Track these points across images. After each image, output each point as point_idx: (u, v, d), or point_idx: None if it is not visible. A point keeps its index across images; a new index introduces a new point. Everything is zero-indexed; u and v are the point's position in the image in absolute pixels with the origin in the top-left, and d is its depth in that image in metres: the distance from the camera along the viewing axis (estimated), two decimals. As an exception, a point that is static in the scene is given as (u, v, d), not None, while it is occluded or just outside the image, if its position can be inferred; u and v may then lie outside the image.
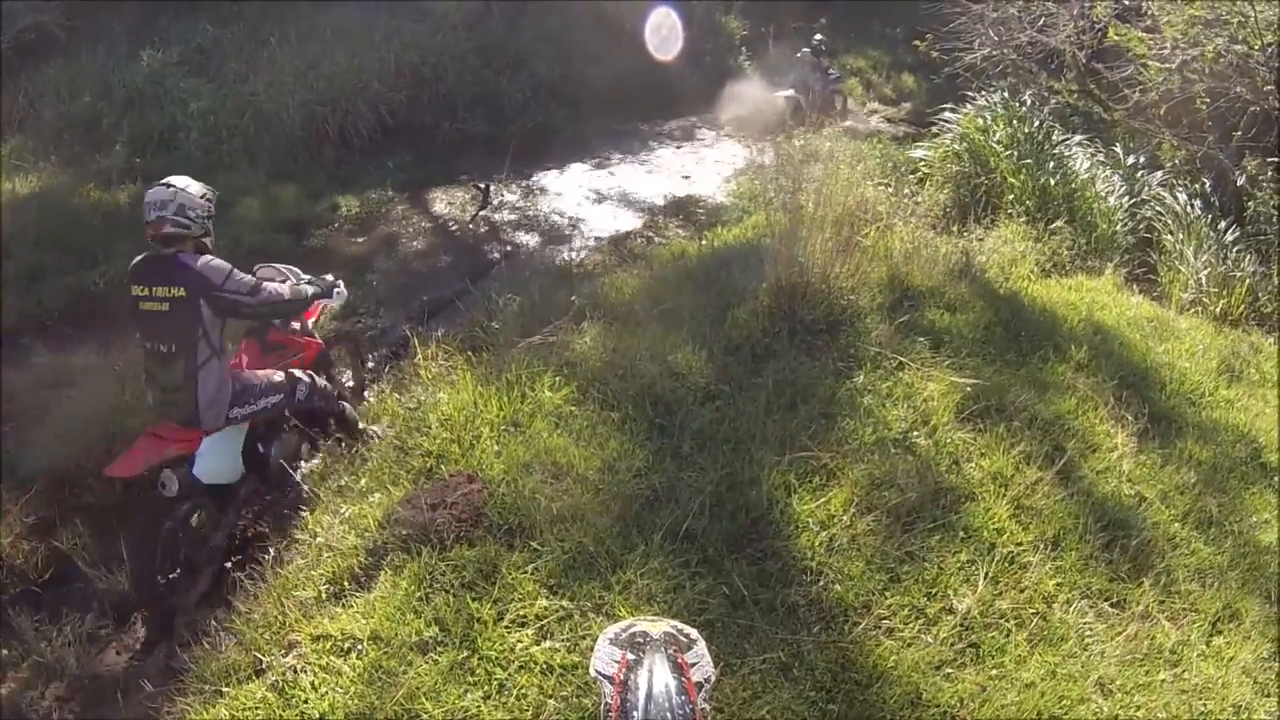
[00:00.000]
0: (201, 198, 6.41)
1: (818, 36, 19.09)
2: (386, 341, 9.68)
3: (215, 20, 17.44)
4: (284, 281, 6.99)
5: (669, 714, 2.15)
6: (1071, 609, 5.29)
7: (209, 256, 6.30)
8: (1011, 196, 11.59)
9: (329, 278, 7.58)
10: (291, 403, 6.84)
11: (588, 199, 14.60)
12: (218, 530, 6.71)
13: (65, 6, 17.22)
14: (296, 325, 7.61)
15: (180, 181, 6.41)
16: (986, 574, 5.34)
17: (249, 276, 6.42)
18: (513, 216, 13.63)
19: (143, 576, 6.15)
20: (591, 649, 3.94)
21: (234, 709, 4.63)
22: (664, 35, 17.95)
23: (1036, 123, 12.92)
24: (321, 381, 7.23)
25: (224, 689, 4.81)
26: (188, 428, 6.28)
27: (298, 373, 7.01)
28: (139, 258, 6.46)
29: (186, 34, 17.03)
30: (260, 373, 6.78)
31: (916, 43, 16.08)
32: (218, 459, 6.45)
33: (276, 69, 15.91)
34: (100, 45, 16.90)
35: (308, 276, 7.35)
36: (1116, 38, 12.21)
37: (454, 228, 12.97)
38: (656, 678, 2.22)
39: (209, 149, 14.48)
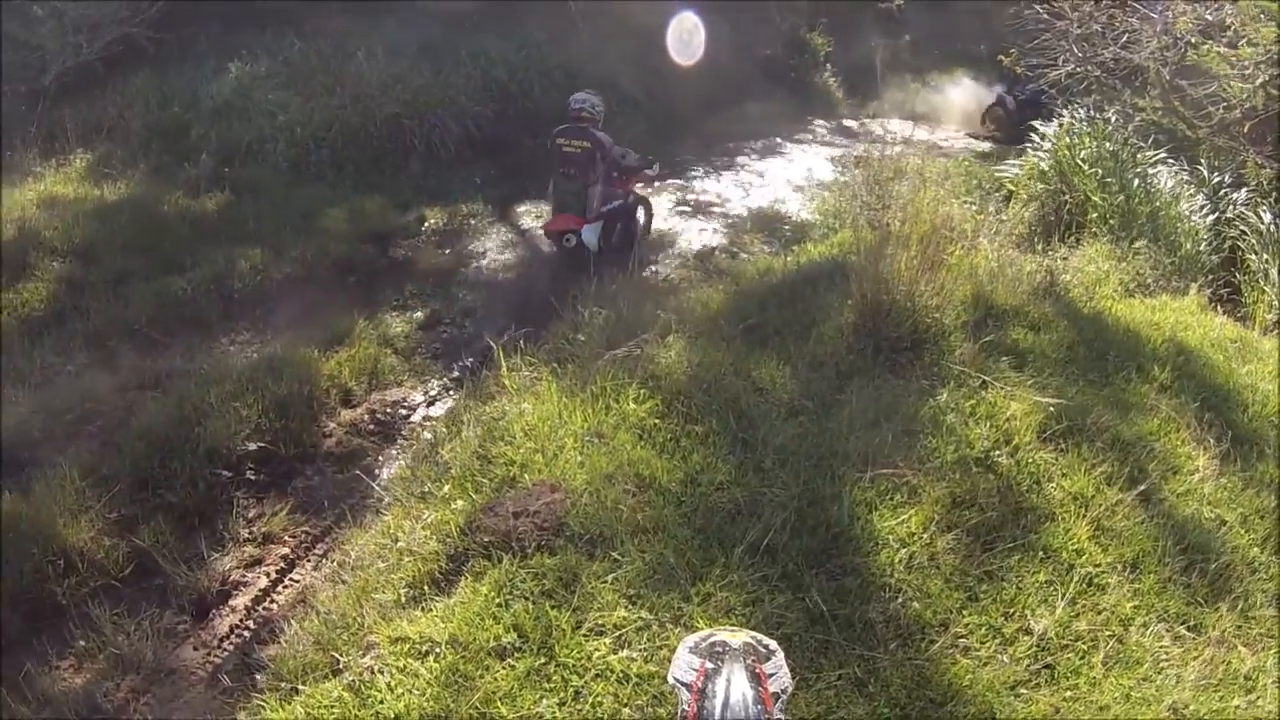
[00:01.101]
0: (599, 101, 11.60)
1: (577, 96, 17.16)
2: (471, 352, 9.76)
3: (302, 35, 17.60)
4: (633, 156, 11.75)
5: (745, 722, 2.17)
6: (1148, 632, 5.23)
7: (602, 133, 11.27)
8: (1095, 215, 11.51)
9: (651, 158, 12.41)
10: (625, 208, 11.69)
11: (673, 214, 14.67)
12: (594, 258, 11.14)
13: (154, 20, 17.44)
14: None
15: (591, 93, 11.64)
16: (1064, 595, 5.30)
17: (620, 148, 11.44)
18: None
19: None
20: (669, 660, 3.96)
21: (310, 707, 4.68)
22: (685, 40, 18.00)
23: (1121, 140, 12.80)
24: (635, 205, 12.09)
25: (300, 687, 4.88)
26: (580, 218, 11.18)
27: (629, 197, 11.87)
28: (563, 126, 11.37)
29: (273, 48, 17.21)
30: (606, 196, 11.39)
31: (1001, 58, 15.98)
32: (592, 234, 11.24)
33: (363, 83, 16.06)
34: (188, 58, 17.12)
35: (638, 156, 11.86)
36: (1197, 56, 12.07)
37: (540, 241, 13.00)
38: (734, 687, 2.24)
39: (296, 160, 14.69)
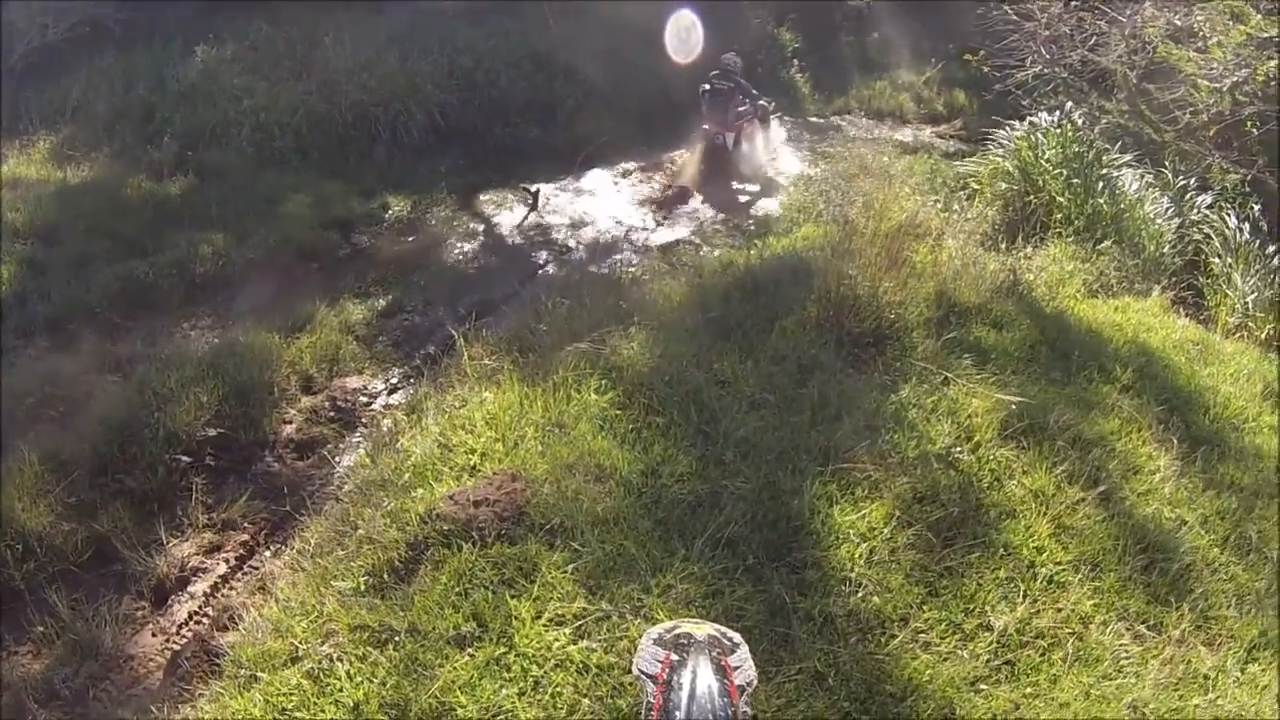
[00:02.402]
0: (738, 60, 16.15)
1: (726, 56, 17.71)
2: (433, 340, 9.71)
3: (270, 19, 17.53)
4: (758, 98, 16.23)
5: (711, 715, 2.17)
6: (1108, 630, 5.27)
7: (740, 78, 15.78)
8: (1060, 215, 11.55)
9: (769, 101, 17.19)
10: (752, 113, 16.17)
11: (637, 206, 14.66)
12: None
13: (121, 1, 17.37)
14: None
15: (734, 55, 16.09)
16: (1025, 592, 5.34)
17: (753, 89, 16.21)
18: (562, 221, 13.69)
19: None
20: (629, 650, 3.95)
21: (269, 694, 4.68)
22: (683, 39, 18.12)
23: (1087, 142, 12.86)
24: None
25: (259, 674, 4.86)
26: (724, 125, 15.56)
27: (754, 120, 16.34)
28: (715, 71, 16.07)
29: (241, 32, 17.15)
30: (741, 109, 15.84)
31: (968, 58, 16.05)
32: (730, 139, 15.64)
33: (330, 69, 16.05)
34: (155, 40, 17.06)
35: (757, 95, 16.10)
36: (1166, 54, 12.15)
37: (503, 231, 13.03)
38: (700, 679, 2.23)
39: (261, 145, 14.60)
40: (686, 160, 16.37)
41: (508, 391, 6.67)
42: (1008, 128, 14.04)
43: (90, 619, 6.08)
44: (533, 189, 13.75)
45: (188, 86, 15.59)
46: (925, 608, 5.18)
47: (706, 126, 16.22)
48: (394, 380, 9.12)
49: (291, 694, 4.62)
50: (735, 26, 21.44)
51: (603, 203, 14.53)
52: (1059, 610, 5.30)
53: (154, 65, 16.17)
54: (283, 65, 16.20)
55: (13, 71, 16.18)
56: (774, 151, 17.28)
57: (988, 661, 4.93)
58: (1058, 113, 13.66)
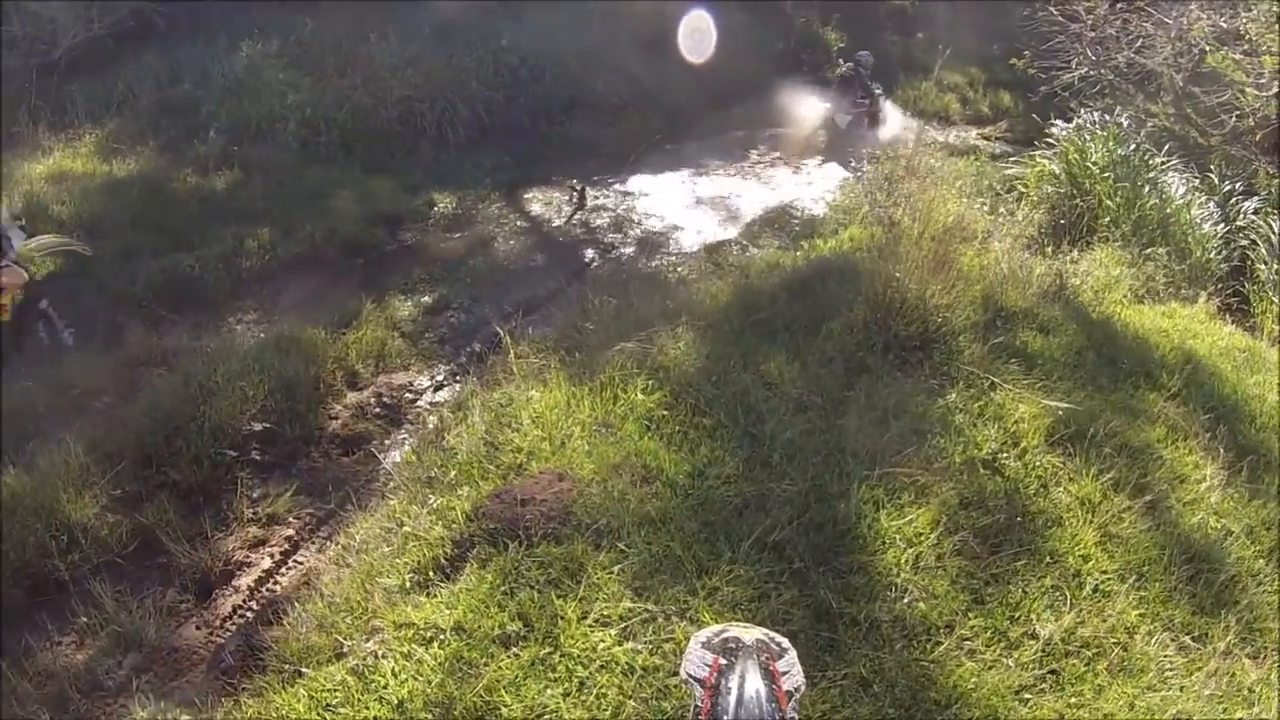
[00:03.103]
0: (870, 57, 16.32)
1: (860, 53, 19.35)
2: (479, 337, 9.70)
3: (315, 15, 17.54)
4: (877, 93, 16.61)
5: None
6: (1153, 641, 5.23)
7: (864, 70, 15.72)
8: (1107, 219, 11.45)
9: (879, 91, 18.30)
10: (866, 110, 16.15)
11: (684, 205, 14.59)
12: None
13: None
14: None
15: (866, 53, 15.91)
16: (1070, 601, 5.31)
17: (873, 82, 15.30)
18: (608, 219, 13.67)
19: None
20: (674, 653, 3.94)
21: (313, 690, 4.70)
22: (697, 38, 18.12)
23: (1133, 145, 12.77)
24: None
25: (304, 669, 4.91)
26: (846, 109, 15.15)
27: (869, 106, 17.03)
28: (849, 63, 16.49)
29: (286, 27, 17.14)
30: (860, 99, 15.51)
31: (1014, 60, 15.98)
32: (844, 120, 16.53)
33: (375, 65, 16.04)
34: (199, 34, 17.11)
35: (878, 91, 16.90)
36: (1214, 62, 12.06)
37: (549, 228, 13.07)
38: (748, 683, 2.25)
39: (306, 140, 14.62)
40: (801, 136, 18.21)
41: (555, 390, 6.69)
42: (1054, 130, 13.96)
43: (134, 611, 6.06)
44: (579, 186, 13.73)
45: (233, 81, 15.59)
46: (971, 615, 5.16)
47: (829, 106, 18.69)
48: (440, 377, 9.14)
49: (336, 690, 4.65)
50: (779, 24, 21.41)
51: (651, 201, 14.49)
52: (1104, 620, 5.27)
53: (199, 60, 16.22)
54: (328, 61, 16.19)
55: (58, 65, 16.26)
56: (879, 139, 17.66)
57: (1032, 670, 4.91)
58: (1103, 115, 13.58)
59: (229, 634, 6.14)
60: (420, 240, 12.38)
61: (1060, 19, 14.41)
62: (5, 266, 8.37)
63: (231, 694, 5.34)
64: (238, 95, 15.30)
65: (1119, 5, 13.97)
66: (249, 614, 6.28)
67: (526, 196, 14.25)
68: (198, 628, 6.20)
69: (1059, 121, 14.06)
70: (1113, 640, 5.16)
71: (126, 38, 16.96)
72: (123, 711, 5.44)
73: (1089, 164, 12.34)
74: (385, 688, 4.59)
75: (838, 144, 17.67)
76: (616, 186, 14.85)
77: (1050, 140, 13.76)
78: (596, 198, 14.23)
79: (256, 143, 14.31)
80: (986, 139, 20.08)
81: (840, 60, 19.32)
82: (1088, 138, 13.01)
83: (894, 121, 18.97)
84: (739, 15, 19.85)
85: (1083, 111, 14.11)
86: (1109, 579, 5.57)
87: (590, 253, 12.37)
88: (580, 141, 16.11)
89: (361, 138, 14.80)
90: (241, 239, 11.24)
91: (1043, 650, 5.02)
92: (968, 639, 5.03)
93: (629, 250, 12.51)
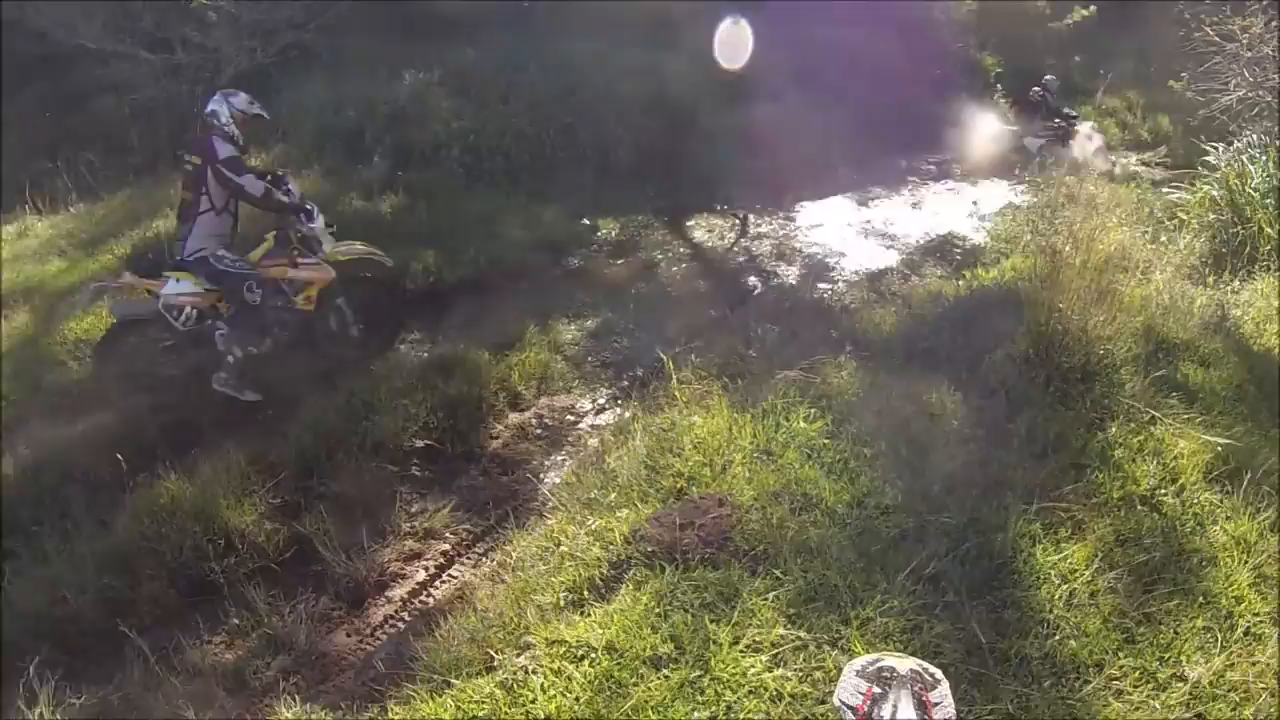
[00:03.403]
0: (1056, 82, 16.44)
1: (1047, 77, 19.35)
2: (641, 363, 9.76)
3: (474, 46, 17.78)
4: (1070, 116, 16.45)
5: (910, 750, 2.20)
6: (1302, 688, 5.13)
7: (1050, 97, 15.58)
8: (1269, 247, 11.19)
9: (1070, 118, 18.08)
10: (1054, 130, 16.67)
11: (845, 233, 14.57)
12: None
13: (326, 25, 17.80)
14: None
15: (1052, 77, 16.23)
16: (1222, 643, 5.23)
17: (1064, 109, 16.58)
18: (770, 247, 13.69)
19: None
20: (823, 681, 3.97)
21: (461, 701, 4.79)
22: (734, 45, 17.92)
23: (1294, 170, 12.47)
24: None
25: (452, 681, 4.98)
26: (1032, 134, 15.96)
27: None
28: (1037, 88, 16.61)
29: (445, 58, 17.29)
30: (1048, 124, 15.04)
31: (1172, 83, 15.69)
32: (1033, 145, 14.97)
33: (536, 93, 16.18)
34: (360, 64, 17.34)
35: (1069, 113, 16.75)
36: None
37: (712, 256, 13.12)
38: (900, 713, 2.28)
39: (470, 166, 14.79)
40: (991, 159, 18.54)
41: (717, 416, 6.76)
42: (1213, 154, 13.68)
43: (285, 615, 6.29)
44: (741, 214, 13.76)
45: (397, 109, 15.78)
46: (1121, 654, 5.11)
47: (1017, 130, 19.28)
48: (602, 401, 9.22)
49: (484, 702, 4.73)
50: (936, 52, 21.28)
51: (813, 229, 14.53)
52: (1254, 663, 5.18)
53: (361, 89, 16.41)
54: (489, 90, 16.33)
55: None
56: (1082, 164, 17.74)
57: (1178, 712, 4.84)
58: (1263, 137, 13.28)
59: (379, 642, 6.30)
60: (584, 266, 12.51)
61: (1216, 39, 14.13)
62: (316, 264, 9.24)
63: (378, 700, 5.45)
64: (401, 122, 15.50)
65: (1274, 23, 13.67)
66: (401, 624, 6.44)
67: (688, 224, 14.35)
68: (348, 635, 6.38)
69: (1218, 145, 13.80)
70: (1261, 685, 5.07)
71: (289, 67, 17.26)
72: (268, 711, 5.61)
73: (1249, 189, 12.08)
74: (533, 702, 4.66)
75: (1033, 168, 17.33)
76: (779, 214, 14.88)
77: (1210, 165, 13.50)
78: (759, 225, 14.32)
79: (421, 168, 14.49)
80: (1146, 164, 19.78)
81: (1045, 88, 19.30)
82: (1247, 162, 12.74)
83: (1092, 144, 18.98)
84: (894, 43, 19.75)
85: (1242, 134, 13.83)
86: (1261, 621, 5.48)
87: (753, 280, 12.39)
88: (742, 169, 16.03)
89: (525, 165, 14.93)
90: (406, 261, 11.37)
91: (1190, 693, 4.95)
92: (1116, 679, 4.99)
93: (791, 278, 12.50)
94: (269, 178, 9.06)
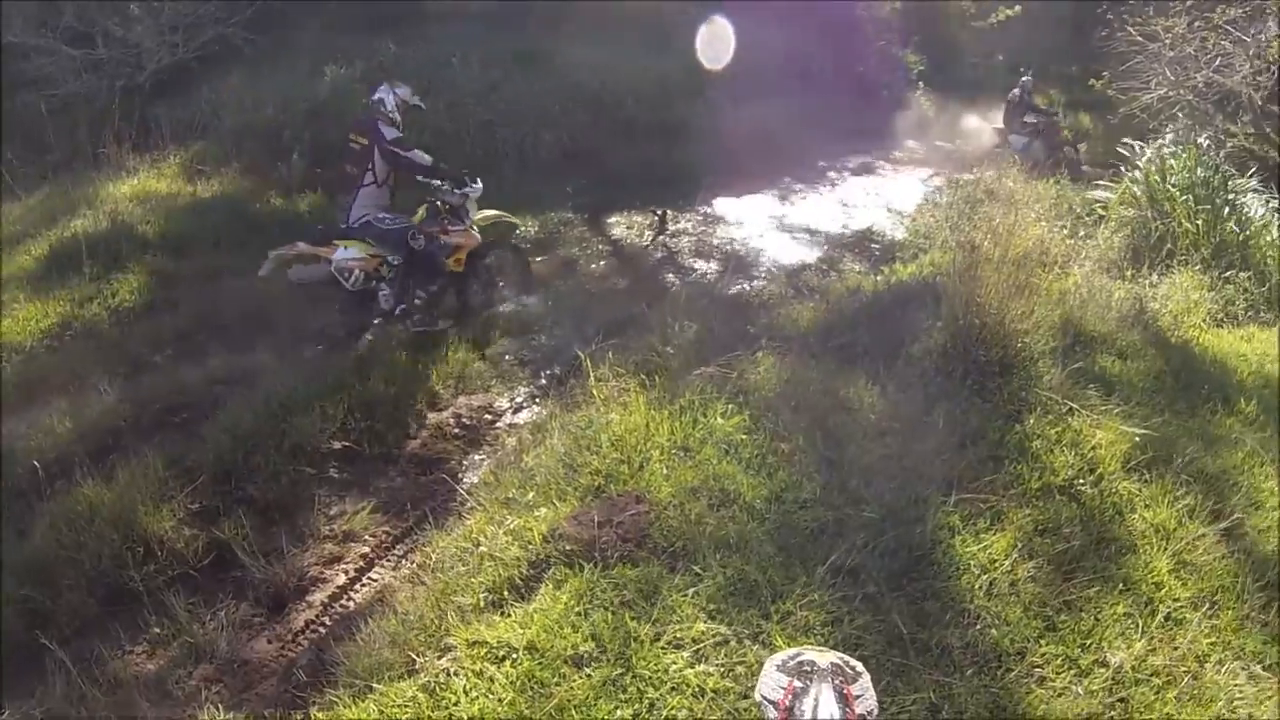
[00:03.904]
0: (1031, 81, 17.90)
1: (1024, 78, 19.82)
2: (558, 361, 9.74)
3: (398, 39, 17.73)
4: (1049, 113, 16.81)
5: (832, 744, 2.19)
6: (1224, 670, 5.19)
7: (1028, 96, 15.86)
8: (1187, 242, 11.35)
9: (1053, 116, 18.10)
10: (1036, 125, 16.85)
11: (764, 229, 14.66)
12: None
13: (249, 20, 17.68)
14: None
15: (1028, 75, 16.62)
16: (1142, 629, 5.28)
17: (1042, 107, 16.95)
18: (689, 243, 13.76)
19: None
20: (746, 676, 3.95)
21: (383, 705, 4.72)
22: (716, 45, 18.13)
23: (1213, 166, 12.64)
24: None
25: (374, 685, 4.91)
26: (1010, 130, 16.39)
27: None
28: (1016, 88, 17.22)
29: (368, 52, 17.26)
30: (1027, 119, 15.78)
31: (1093, 81, 15.88)
32: (1013, 141, 15.09)
33: (457, 90, 16.19)
34: (282, 59, 17.27)
35: (1048, 110, 16.76)
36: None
37: (631, 252, 13.11)
38: (822, 707, 2.27)
39: (388, 164, 14.61)
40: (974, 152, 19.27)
41: (634, 414, 6.70)
42: (1133, 152, 13.86)
43: (206, 623, 6.18)
44: (659, 211, 13.78)
45: (316, 105, 15.78)
46: (1042, 642, 5.15)
47: (1000, 128, 19.78)
48: (520, 399, 9.19)
49: (406, 706, 4.67)
50: (860, 48, 21.43)
51: (732, 226, 14.62)
52: (1175, 648, 5.23)
53: (282, 85, 16.38)
54: (410, 85, 16.30)
55: (143, 88, 16.52)
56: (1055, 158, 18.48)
57: (1102, 699, 4.88)
58: (1183, 135, 13.47)
59: (301, 648, 6.21)
60: (502, 264, 12.42)
61: (1139, 39, 14.31)
62: (464, 230, 10.45)
63: (301, 707, 5.39)
64: (321, 119, 15.45)
65: (1196, 24, 13.85)
66: (322, 629, 6.35)
67: (608, 221, 14.37)
68: (270, 641, 6.27)
69: (1138, 143, 13.97)
70: (1183, 669, 5.12)
71: (210, 62, 17.19)
72: (191, 720, 5.53)
73: (1168, 186, 12.25)
74: (456, 704, 4.60)
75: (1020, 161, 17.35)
76: (698, 211, 14.89)
77: (1130, 162, 13.67)
78: (678, 221, 14.31)
79: (340, 166, 14.32)
80: (1067, 162, 20.06)
81: (1023, 87, 19.60)
82: (1167, 159, 12.91)
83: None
84: (819, 42, 19.88)
85: (1163, 132, 14.02)
86: (1182, 607, 5.54)
87: (671, 276, 12.40)
88: (662, 166, 16.15)
89: (445, 162, 14.84)
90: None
91: (1113, 678, 4.99)
92: (1038, 666, 5.02)
93: (710, 274, 12.53)
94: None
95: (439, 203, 10.33)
